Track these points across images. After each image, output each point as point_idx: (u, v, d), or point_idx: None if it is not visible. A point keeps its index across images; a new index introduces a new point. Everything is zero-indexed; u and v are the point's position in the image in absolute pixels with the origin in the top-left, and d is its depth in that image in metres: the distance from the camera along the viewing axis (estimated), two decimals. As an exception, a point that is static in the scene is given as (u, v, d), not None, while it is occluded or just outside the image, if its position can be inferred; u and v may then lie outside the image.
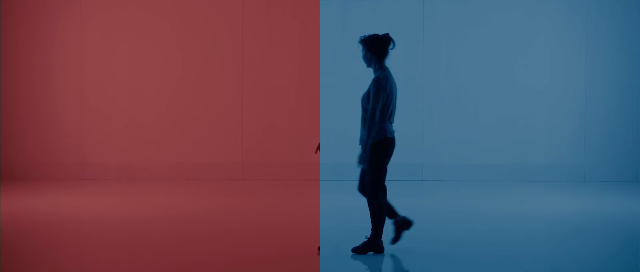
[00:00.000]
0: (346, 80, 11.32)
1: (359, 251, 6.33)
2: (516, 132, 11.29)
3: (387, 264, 6.10)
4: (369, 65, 6.45)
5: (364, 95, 6.39)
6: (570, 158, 11.29)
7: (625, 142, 11.26)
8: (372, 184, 6.24)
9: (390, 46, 6.38)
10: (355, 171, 11.58)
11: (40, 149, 11.34)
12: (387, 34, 6.37)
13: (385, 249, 6.38)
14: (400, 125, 11.40)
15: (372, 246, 6.31)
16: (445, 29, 11.29)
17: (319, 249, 6.38)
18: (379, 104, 6.25)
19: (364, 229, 7.47)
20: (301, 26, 11.28)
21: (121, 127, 11.32)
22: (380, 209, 6.27)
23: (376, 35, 6.37)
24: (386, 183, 6.31)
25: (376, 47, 6.34)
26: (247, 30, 11.28)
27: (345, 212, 8.60)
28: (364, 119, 6.38)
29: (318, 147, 6.73)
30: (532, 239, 7.10)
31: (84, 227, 7.68)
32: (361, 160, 6.23)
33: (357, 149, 6.84)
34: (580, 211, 8.77)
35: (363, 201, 9.25)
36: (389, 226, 6.53)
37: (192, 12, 11.28)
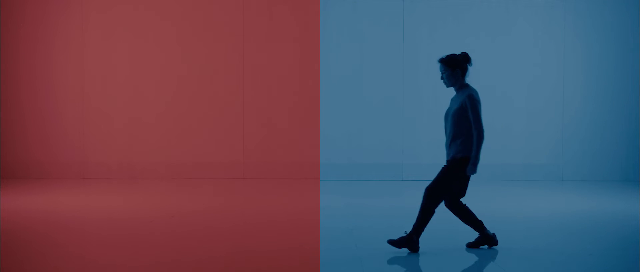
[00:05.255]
0: (346, 80, 11.34)
1: None
2: (496, 133, 11.37)
3: (367, 262, 6.11)
4: None
5: None
6: (548, 158, 11.39)
7: (601, 142, 11.40)
8: None
9: None
10: (356, 171, 11.66)
11: (41, 148, 11.35)
12: None
13: None
14: (380, 126, 11.56)
15: None
16: (426, 29, 11.35)
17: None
18: None
19: (365, 229, 7.49)
20: (301, 26, 11.30)
21: (122, 126, 11.34)
22: None
23: None
24: None
25: None
26: (248, 29, 11.30)
27: (345, 212, 8.62)
28: None
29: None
30: (512, 238, 7.12)
31: (84, 226, 7.69)
32: None
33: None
34: (558, 210, 8.86)
35: (367, 200, 9.30)
36: None
37: (193, 12, 11.30)
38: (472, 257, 6.29)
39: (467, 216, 6.60)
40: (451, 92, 6.85)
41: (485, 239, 6.59)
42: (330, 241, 6.78)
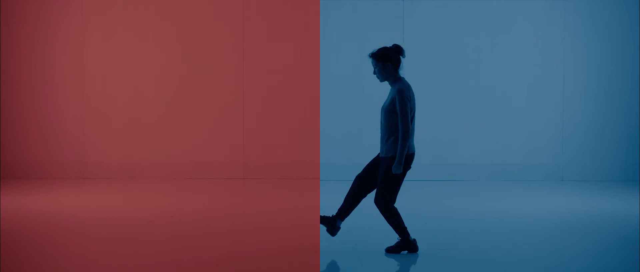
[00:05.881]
0: (347, 80, 11.35)
1: None
2: (496, 133, 11.39)
3: (367, 262, 6.10)
4: None
5: None
6: (548, 158, 11.39)
7: (601, 142, 11.40)
8: None
9: None
10: (356, 171, 11.65)
11: (41, 148, 11.36)
12: None
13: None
14: (380, 126, 11.52)
15: None
16: (426, 29, 11.36)
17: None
18: None
19: (365, 229, 7.50)
20: (301, 26, 11.30)
21: (122, 126, 11.34)
22: None
23: None
24: None
25: None
26: (248, 29, 11.30)
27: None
28: None
29: None
30: (512, 238, 7.13)
31: (84, 226, 7.70)
32: None
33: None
34: (558, 210, 8.88)
35: (367, 200, 9.33)
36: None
37: (193, 12, 11.30)
38: (471, 257, 6.29)
39: (353, 204, 6.49)
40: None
41: (334, 228, 6.48)
42: (330, 241, 6.77)
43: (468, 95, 11.38)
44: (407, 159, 6.27)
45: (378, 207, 6.32)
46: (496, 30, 11.36)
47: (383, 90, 11.48)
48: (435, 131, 11.38)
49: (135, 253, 6.46)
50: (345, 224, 7.32)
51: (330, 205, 8.99)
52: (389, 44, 6.59)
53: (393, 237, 6.58)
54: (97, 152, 11.34)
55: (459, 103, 11.38)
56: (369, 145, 11.38)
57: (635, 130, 11.34)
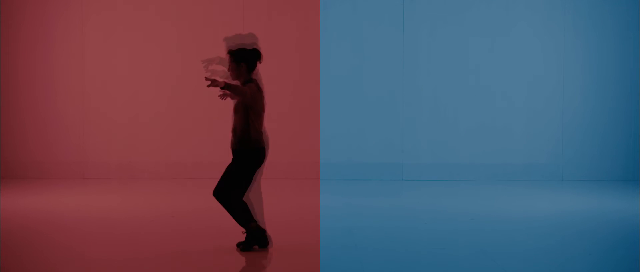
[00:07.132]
0: (346, 80, 11.35)
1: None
2: (496, 133, 11.39)
3: (367, 262, 6.10)
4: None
5: None
6: (548, 158, 11.39)
7: (601, 142, 11.40)
8: None
9: None
10: (356, 171, 11.67)
11: (41, 148, 11.36)
12: None
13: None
14: (381, 126, 11.57)
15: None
16: (426, 29, 11.36)
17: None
18: None
19: (365, 229, 7.49)
20: (301, 26, 11.30)
21: (122, 126, 11.34)
22: None
23: None
24: None
25: None
26: (247, 29, 11.29)
27: (345, 212, 8.62)
28: None
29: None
30: (512, 238, 7.13)
31: (84, 226, 7.70)
32: None
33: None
34: (558, 209, 8.88)
35: (367, 200, 9.26)
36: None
37: (193, 12, 11.30)
38: (471, 257, 6.29)
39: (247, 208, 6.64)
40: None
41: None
42: (330, 241, 6.77)
43: (468, 95, 11.38)
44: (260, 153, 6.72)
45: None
46: (496, 30, 11.36)
47: (383, 91, 11.52)
48: (435, 131, 11.37)
49: (136, 253, 6.45)
50: (345, 224, 7.35)
51: (331, 205, 9.00)
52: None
53: (392, 235, 6.58)
54: (97, 152, 11.34)
55: (459, 103, 11.38)
56: (369, 145, 11.39)
57: (635, 130, 11.34)
